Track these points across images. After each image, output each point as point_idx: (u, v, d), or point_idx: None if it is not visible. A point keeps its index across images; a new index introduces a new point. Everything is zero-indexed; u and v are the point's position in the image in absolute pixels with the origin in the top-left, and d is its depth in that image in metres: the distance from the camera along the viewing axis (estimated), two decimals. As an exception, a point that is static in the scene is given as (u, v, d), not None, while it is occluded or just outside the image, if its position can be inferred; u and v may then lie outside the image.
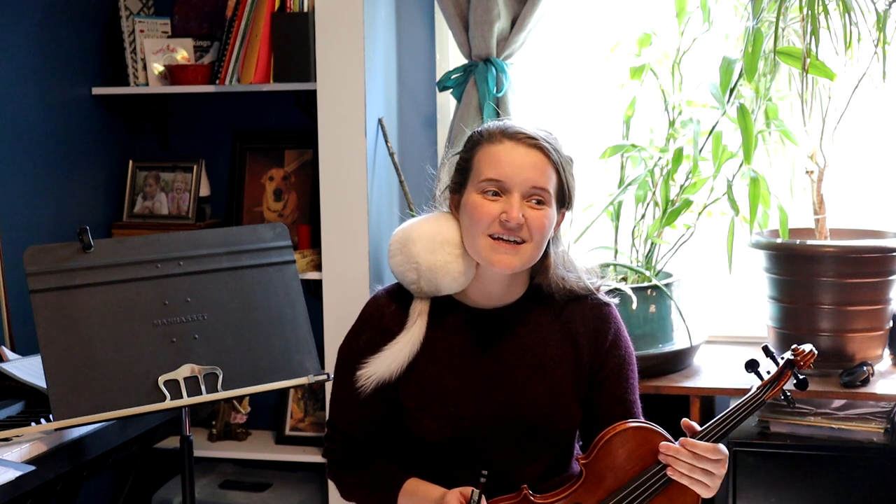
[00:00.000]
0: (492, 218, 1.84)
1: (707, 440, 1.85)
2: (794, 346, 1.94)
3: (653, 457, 1.84)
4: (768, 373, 1.92)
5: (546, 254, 1.93)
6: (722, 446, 1.84)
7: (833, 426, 2.65)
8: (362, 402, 1.93)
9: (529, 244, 1.85)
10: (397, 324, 1.94)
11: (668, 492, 1.85)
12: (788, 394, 1.93)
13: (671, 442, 1.85)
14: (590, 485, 1.85)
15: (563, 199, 1.91)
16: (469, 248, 1.89)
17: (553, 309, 1.97)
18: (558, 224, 1.93)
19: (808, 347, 1.94)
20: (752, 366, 1.94)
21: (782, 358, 1.93)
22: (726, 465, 1.84)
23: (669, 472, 1.83)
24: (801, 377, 1.92)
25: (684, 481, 1.82)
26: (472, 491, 1.80)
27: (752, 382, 1.94)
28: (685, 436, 1.86)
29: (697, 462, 1.81)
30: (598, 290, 1.99)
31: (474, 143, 1.92)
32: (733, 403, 1.91)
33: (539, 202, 1.86)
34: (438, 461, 1.95)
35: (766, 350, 1.96)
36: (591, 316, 1.97)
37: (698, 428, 1.87)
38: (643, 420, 1.90)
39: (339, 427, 2.01)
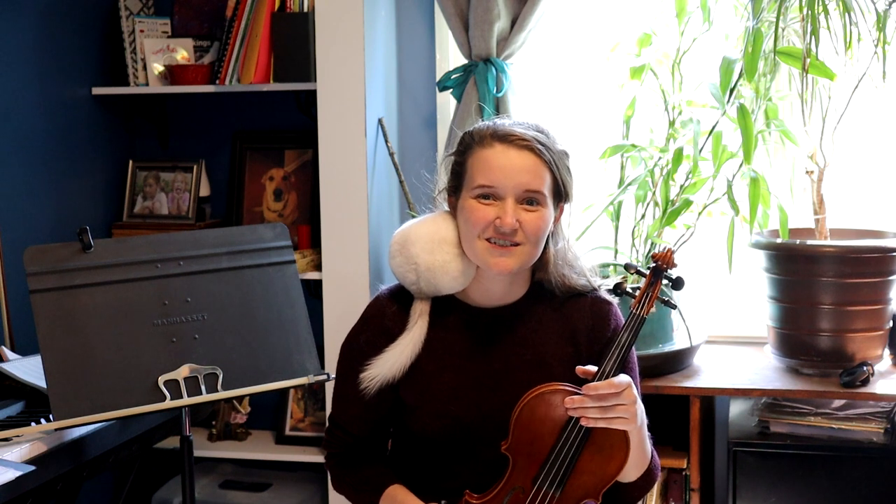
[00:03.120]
0: (487, 223, 1.85)
1: (606, 377, 1.82)
2: (652, 254, 1.92)
3: (564, 415, 1.83)
4: (638, 289, 1.90)
5: (545, 250, 1.93)
6: (621, 376, 1.82)
7: (833, 426, 2.65)
8: (362, 399, 1.95)
9: (525, 246, 1.86)
10: (398, 324, 1.95)
11: (594, 440, 1.84)
12: (667, 298, 1.91)
13: (575, 393, 1.83)
14: (520, 465, 1.86)
15: (560, 195, 1.91)
16: (467, 251, 1.90)
17: (554, 306, 1.97)
18: (557, 219, 1.94)
19: (664, 248, 1.91)
20: (618, 288, 1.91)
21: (648, 269, 1.90)
22: (634, 391, 1.82)
23: (584, 422, 1.81)
24: (674, 277, 1.89)
25: (601, 424, 1.81)
26: None
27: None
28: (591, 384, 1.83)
29: (603, 402, 1.79)
30: (598, 288, 2.00)
31: (466, 146, 1.92)
32: (621, 332, 1.87)
33: (533, 203, 1.86)
34: (439, 458, 1.96)
35: (627, 267, 1.94)
36: (591, 312, 1.97)
37: (593, 369, 1.84)
38: (545, 384, 1.87)
39: (339, 422, 2.04)
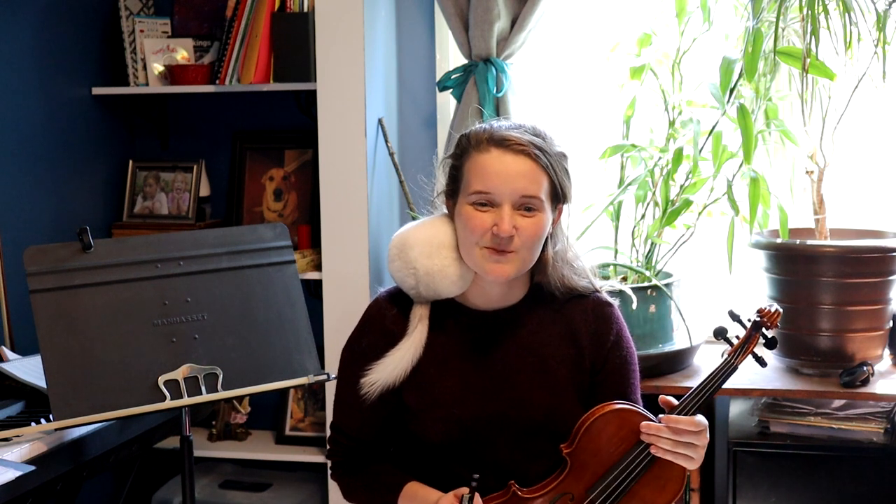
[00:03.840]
0: (484, 230, 1.84)
1: (685, 413, 1.85)
2: (759, 308, 1.93)
3: (635, 437, 1.85)
4: (737, 338, 1.92)
5: (543, 252, 1.92)
6: (700, 417, 1.84)
7: (833, 426, 2.65)
8: (365, 404, 1.94)
9: (522, 252, 1.86)
10: (399, 326, 1.95)
11: (654, 469, 1.86)
12: (760, 355, 1.93)
13: (651, 420, 1.85)
14: (576, 472, 1.86)
15: (558, 197, 1.91)
16: (464, 257, 1.90)
17: (554, 308, 1.97)
18: (555, 220, 1.93)
19: (772, 307, 1.93)
20: (720, 333, 1.93)
21: (749, 321, 1.92)
22: (707, 435, 1.84)
23: (653, 451, 1.83)
24: (769, 336, 1.91)
25: (668, 457, 1.83)
26: (465, 494, 1.82)
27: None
28: (664, 412, 1.86)
29: (679, 437, 1.81)
30: (600, 290, 2.00)
31: (463, 150, 1.91)
32: (707, 372, 1.90)
33: (530, 209, 1.85)
34: (442, 462, 1.95)
35: (731, 315, 1.94)
36: (593, 316, 1.97)
37: (675, 402, 1.86)
38: (621, 401, 1.89)
39: (342, 429, 2.02)
